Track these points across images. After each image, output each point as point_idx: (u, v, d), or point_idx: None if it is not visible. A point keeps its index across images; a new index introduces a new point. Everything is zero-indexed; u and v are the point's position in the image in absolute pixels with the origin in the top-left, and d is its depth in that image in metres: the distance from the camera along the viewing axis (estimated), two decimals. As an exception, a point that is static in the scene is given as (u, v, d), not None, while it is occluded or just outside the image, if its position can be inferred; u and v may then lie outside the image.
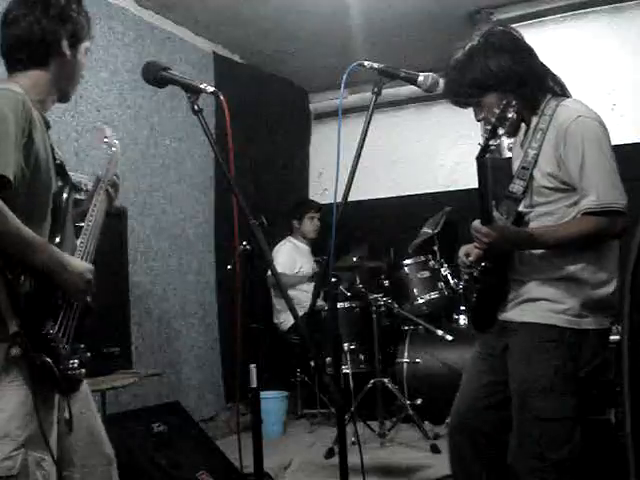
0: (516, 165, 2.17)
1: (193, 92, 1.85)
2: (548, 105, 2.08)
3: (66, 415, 1.81)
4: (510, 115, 1.94)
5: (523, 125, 2.18)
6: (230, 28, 4.60)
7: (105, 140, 2.17)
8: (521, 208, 2.09)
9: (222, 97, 1.84)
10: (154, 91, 3.95)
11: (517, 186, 2.09)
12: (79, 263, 1.80)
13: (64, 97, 1.95)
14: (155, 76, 1.91)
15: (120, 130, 3.75)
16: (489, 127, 1.98)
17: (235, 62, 5.08)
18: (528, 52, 2.15)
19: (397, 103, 5.59)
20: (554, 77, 2.16)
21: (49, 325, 1.69)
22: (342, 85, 2.04)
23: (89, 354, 1.88)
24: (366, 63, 2.07)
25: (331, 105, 5.82)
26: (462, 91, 2.15)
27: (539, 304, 2.05)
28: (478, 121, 2.19)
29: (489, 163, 1.98)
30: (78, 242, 1.90)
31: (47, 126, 1.89)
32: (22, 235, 1.64)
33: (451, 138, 5.46)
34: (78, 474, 1.88)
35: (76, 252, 1.87)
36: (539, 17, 4.39)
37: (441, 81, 2.12)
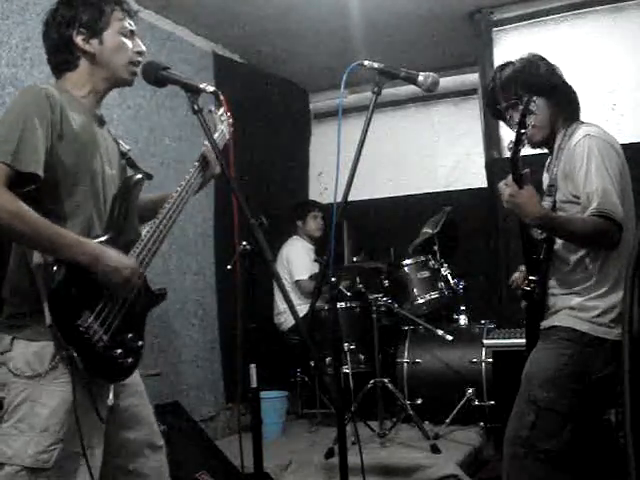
0: (545, 184, 2.31)
1: (193, 92, 1.85)
2: (570, 128, 2.23)
3: (109, 402, 1.84)
4: (533, 109, 2.04)
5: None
6: (230, 28, 4.59)
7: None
8: None
9: (222, 97, 1.84)
10: (154, 91, 3.95)
11: (546, 203, 2.22)
12: (118, 259, 1.78)
13: (119, 82, 1.96)
14: (155, 76, 1.91)
15: (120, 130, 3.75)
16: (517, 121, 2.07)
17: (235, 62, 5.07)
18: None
19: (397, 103, 5.58)
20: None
21: (84, 316, 1.71)
22: (342, 85, 2.04)
23: (140, 343, 1.91)
24: (366, 63, 2.08)
25: (331, 105, 5.81)
26: (513, 90, 2.25)
27: (564, 311, 2.20)
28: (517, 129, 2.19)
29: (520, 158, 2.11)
30: (144, 231, 1.91)
31: (101, 122, 1.94)
32: (48, 233, 1.67)
33: (451, 138, 5.45)
34: (130, 463, 1.93)
35: (137, 242, 1.87)
36: (539, 17, 4.39)
37: (441, 81, 2.13)
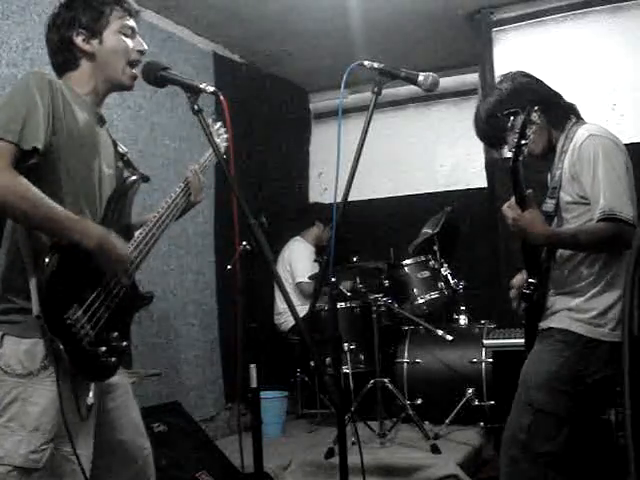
0: (549, 186, 2.30)
1: (193, 92, 1.85)
2: (572, 129, 2.22)
3: (89, 401, 1.80)
4: (534, 119, 2.04)
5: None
6: (230, 28, 4.60)
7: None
8: (553, 225, 2.23)
9: (222, 97, 1.84)
10: (154, 91, 3.95)
11: (549, 205, 2.22)
12: (121, 246, 1.80)
13: (118, 85, 1.98)
14: (155, 76, 1.92)
15: (120, 130, 3.75)
16: (517, 132, 2.06)
17: (235, 62, 5.07)
18: (543, 83, 2.33)
19: (397, 103, 5.59)
20: (569, 104, 2.33)
21: (73, 309, 1.70)
22: (342, 85, 2.04)
23: (125, 343, 1.88)
24: (366, 63, 2.08)
25: (331, 105, 5.81)
26: (501, 108, 2.24)
27: (562, 312, 2.19)
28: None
29: (521, 169, 2.09)
30: (136, 233, 1.92)
31: (102, 122, 1.96)
32: (54, 214, 1.67)
33: (451, 138, 5.45)
34: (116, 464, 1.92)
35: (128, 244, 1.87)
36: (539, 17, 4.38)
37: (441, 81, 2.13)
